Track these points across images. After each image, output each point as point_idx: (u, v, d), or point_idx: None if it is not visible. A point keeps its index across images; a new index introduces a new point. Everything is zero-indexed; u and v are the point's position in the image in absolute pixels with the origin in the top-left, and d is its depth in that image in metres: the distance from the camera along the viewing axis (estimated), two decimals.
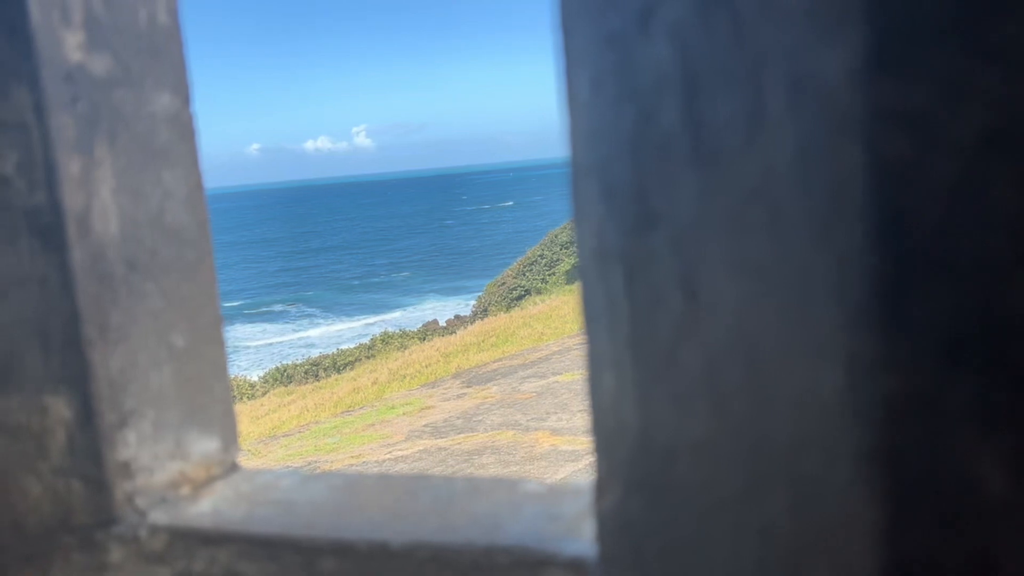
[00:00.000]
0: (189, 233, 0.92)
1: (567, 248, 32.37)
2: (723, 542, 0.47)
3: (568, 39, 0.61)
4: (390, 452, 13.01)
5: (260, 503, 0.87)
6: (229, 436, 0.98)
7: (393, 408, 16.06)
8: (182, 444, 0.91)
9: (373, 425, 15.00)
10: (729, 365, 0.44)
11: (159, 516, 0.85)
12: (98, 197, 0.82)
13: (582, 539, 0.71)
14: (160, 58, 0.90)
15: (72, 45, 0.80)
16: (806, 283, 0.38)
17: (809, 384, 0.39)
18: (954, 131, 0.35)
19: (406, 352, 23.40)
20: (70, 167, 0.79)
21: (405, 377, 19.53)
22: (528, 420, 13.71)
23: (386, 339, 26.87)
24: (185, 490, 0.90)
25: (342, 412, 17.01)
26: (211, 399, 0.95)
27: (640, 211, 0.52)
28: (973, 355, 0.34)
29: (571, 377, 15.75)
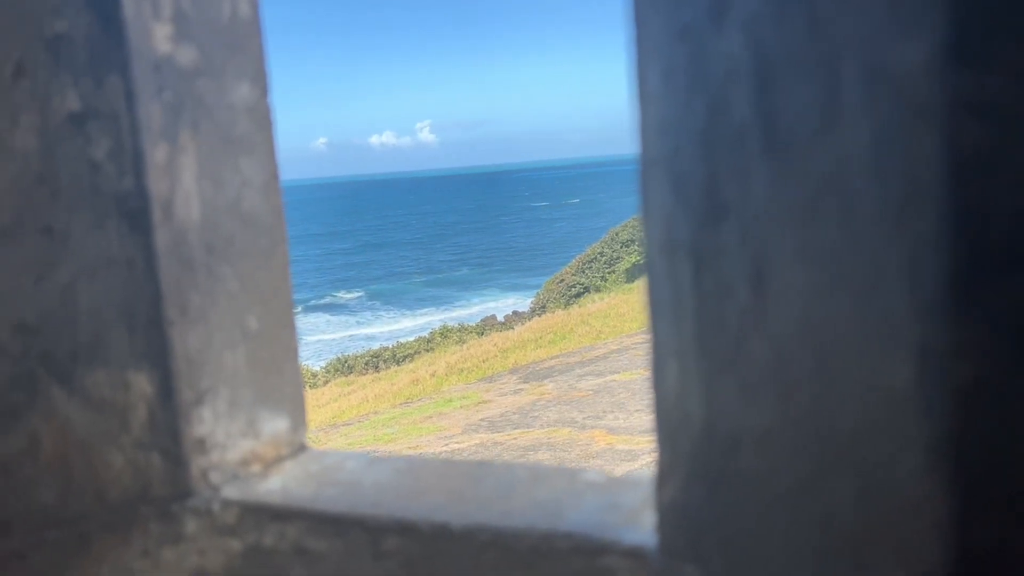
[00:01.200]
0: (265, 220, 0.95)
1: (628, 246, 32.15)
2: (785, 532, 0.47)
3: (640, 32, 0.61)
4: (447, 444, 13.12)
5: (327, 483, 0.90)
6: (298, 417, 1.01)
7: (450, 401, 16.19)
8: (254, 423, 0.94)
9: (430, 417, 15.15)
10: (797, 355, 0.45)
11: (231, 491, 0.89)
12: (181, 183, 0.85)
13: (642, 529, 0.72)
14: (241, 50, 0.93)
15: (161, 37, 0.83)
16: (878, 273, 0.38)
17: (878, 374, 0.39)
18: None
19: (464, 346, 23.58)
20: (156, 154, 0.83)
21: (463, 371, 19.68)
22: (584, 418, 13.67)
23: (445, 333, 27.13)
24: (256, 467, 0.94)
25: (401, 403, 17.23)
26: (282, 380, 0.98)
27: (710, 202, 0.52)
28: None
29: (629, 376, 15.64)
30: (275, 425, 0.97)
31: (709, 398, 0.55)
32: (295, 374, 1.01)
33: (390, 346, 26.83)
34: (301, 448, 1.01)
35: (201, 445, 0.87)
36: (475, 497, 0.83)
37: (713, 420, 0.55)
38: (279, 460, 0.97)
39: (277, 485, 0.91)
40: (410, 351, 25.36)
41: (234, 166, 0.92)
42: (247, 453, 0.93)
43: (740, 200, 0.49)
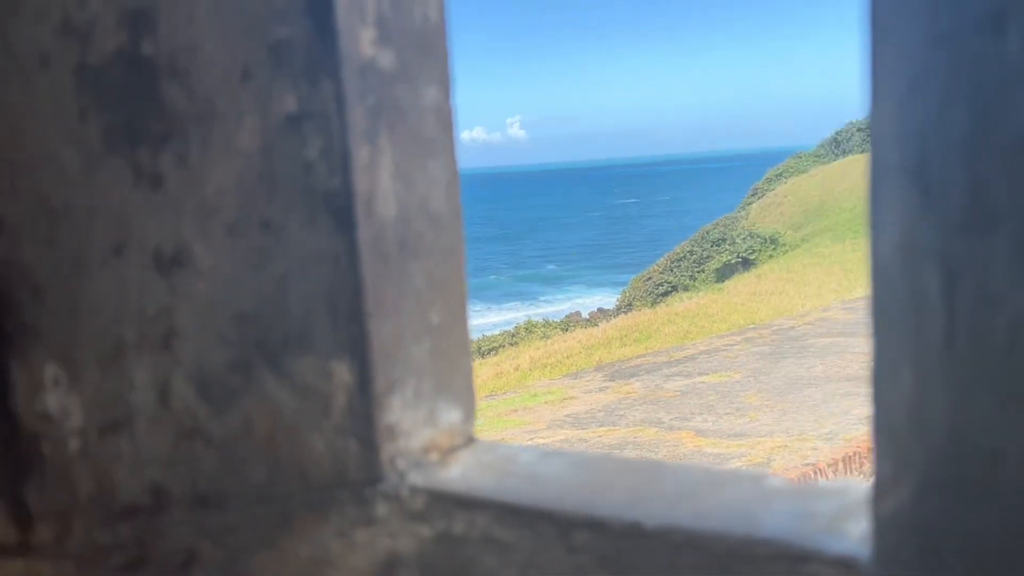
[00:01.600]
0: (447, 219, 0.98)
1: (718, 245, 31.56)
2: None
3: (880, 39, 0.61)
4: (532, 439, 13.17)
5: (506, 474, 0.93)
6: (469, 409, 1.04)
7: (535, 396, 16.24)
8: (433, 413, 0.97)
9: (516, 411, 15.23)
10: None
11: (416, 478, 0.92)
12: (380, 183, 0.89)
13: (848, 537, 0.71)
14: (430, 54, 0.96)
15: (366, 42, 0.87)
16: None
17: None
18: None
19: (548, 342, 23.63)
20: (360, 154, 0.86)
21: (546, 366, 19.72)
22: (671, 419, 13.50)
23: (530, 328, 27.27)
24: (434, 456, 0.97)
25: (486, 396, 17.39)
26: (457, 373, 1.01)
27: (974, 211, 0.52)
28: None
29: (718, 378, 15.35)
30: (451, 416, 1.00)
31: (958, 409, 0.55)
32: (468, 367, 1.04)
33: (476, 339, 27.17)
34: (470, 439, 1.04)
35: (391, 432, 0.91)
36: (659, 497, 0.84)
37: (963, 431, 0.54)
38: (453, 450, 1.00)
39: (457, 474, 0.94)
40: (495, 344, 25.61)
41: (422, 166, 0.95)
42: (427, 442, 0.97)
43: (1016, 210, 0.49)
